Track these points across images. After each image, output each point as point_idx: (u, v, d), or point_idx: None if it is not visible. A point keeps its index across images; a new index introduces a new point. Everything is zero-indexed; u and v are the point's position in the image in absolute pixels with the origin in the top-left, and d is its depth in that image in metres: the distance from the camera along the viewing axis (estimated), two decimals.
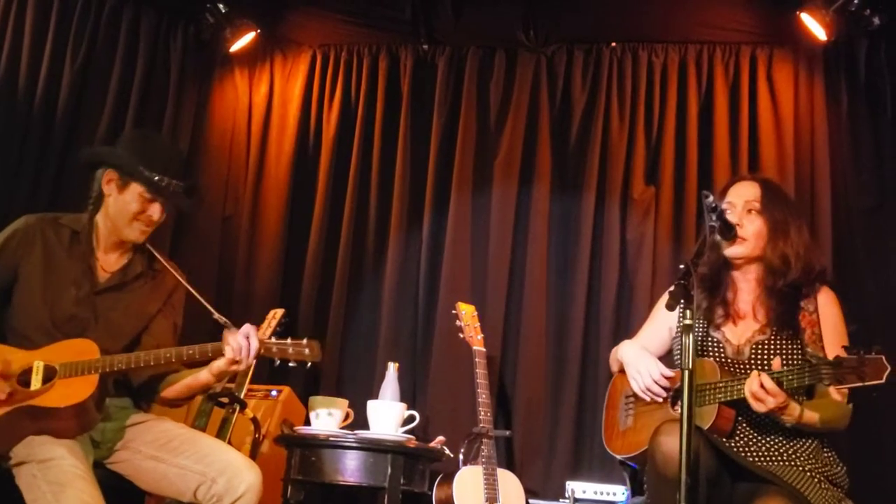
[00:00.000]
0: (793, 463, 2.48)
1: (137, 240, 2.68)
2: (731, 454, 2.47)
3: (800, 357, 2.56)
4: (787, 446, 2.52)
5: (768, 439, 2.53)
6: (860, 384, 2.19)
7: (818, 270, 2.67)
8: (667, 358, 2.85)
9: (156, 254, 2.76)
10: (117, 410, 2.63)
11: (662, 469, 2.34)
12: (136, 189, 2.62)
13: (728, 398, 2.46)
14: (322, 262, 4.27)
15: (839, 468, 2.54)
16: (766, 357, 2.56)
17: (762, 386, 2.35)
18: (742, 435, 2.54)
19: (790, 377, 2.36)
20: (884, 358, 2.17)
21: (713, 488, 2.38)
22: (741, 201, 2.69)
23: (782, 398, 2.36)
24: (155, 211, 2.64)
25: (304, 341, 2.54)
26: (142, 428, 2.60)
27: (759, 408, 2.38)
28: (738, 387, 2.43)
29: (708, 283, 2.70)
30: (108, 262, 2.71)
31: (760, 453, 2.51)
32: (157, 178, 2.61)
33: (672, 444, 2.26)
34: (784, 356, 2.55)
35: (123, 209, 2.64)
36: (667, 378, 2.68)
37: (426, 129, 4.32)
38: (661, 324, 2.88)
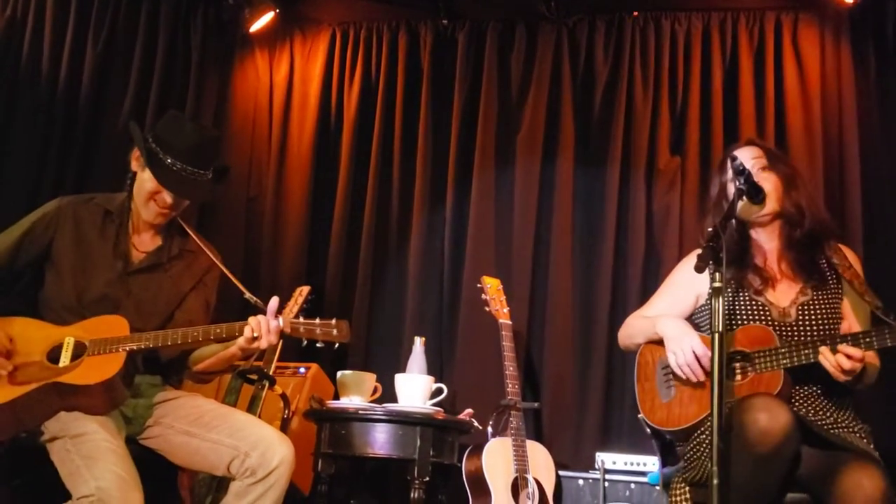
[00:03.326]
0: (846, 426, 2.44)
1: (153, 221, 2.65)
2: (809, 425, 2.34)
3: (839, 312, 2.56)
4: (834, 409, 2.48)
5: (818, 404, 2.48)
6: None
7: (828, 222, 2.70)
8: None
9: (191, 234, 2.74)
10: (148, 387, 2.64)
11: (759, 446, 2.20)
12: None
13: (795, 363, 2.41)
14: (347, 240, 4.28)
15: (863, 423, 2.53)
16: (812, 317, 2.54)
17: (849, 357, 2.30)
18: (800, 401, 2.48)
19: (868, 339, 2.33)
20: None
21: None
22: (750, 162, 2.67)
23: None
24: (167, 194, 2.59)
25: (333, 321, 2.49)
26: (174, 404, 2.61)
27: (845, 377, 2.34)
28: (806, 352, 2.39)
29: (731, 252, 2.66)
30: (143, 242, 2.69)
31: (818, 419, 2.45)
32: (169, 161, 2.56)
33: (766, 421, 2.19)
34: (828, 313, 2.55)
35: (141, 188, 2.62)
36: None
37: (447, 105, 4.30)
38: (686, 291, 2.80)
